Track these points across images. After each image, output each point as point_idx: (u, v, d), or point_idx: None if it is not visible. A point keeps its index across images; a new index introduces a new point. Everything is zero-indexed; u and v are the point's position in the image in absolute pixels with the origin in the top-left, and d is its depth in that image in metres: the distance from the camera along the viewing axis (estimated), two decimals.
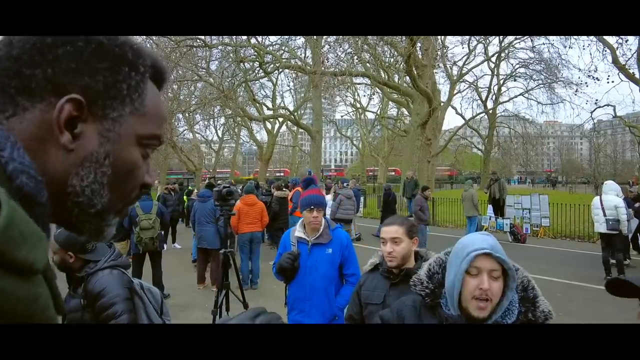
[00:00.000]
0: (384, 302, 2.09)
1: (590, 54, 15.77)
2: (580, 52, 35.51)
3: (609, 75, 15.71)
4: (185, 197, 11.82)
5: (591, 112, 19.15)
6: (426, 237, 9.24)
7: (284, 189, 10.08)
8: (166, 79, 0.60)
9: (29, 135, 0.46)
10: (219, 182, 10.53)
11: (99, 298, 2.06)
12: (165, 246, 6.92)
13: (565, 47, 19.65)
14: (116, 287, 2.07)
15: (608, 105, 19.30)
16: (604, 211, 7.40)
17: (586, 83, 18.21)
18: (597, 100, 18.29)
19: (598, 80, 16.44)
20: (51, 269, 0.43)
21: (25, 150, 0.44)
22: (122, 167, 0.52)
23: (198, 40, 17.61)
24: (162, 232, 6.42)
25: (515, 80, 29.75)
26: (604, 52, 14.95)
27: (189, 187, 16.49)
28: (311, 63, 19.68)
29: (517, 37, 22.93)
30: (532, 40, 22.57)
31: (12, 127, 0.45)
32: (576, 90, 21.21)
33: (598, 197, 7.74)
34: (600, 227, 7.47)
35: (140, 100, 0.53)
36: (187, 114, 25.60)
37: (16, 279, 0.36)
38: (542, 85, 27.43)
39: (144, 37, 18.09)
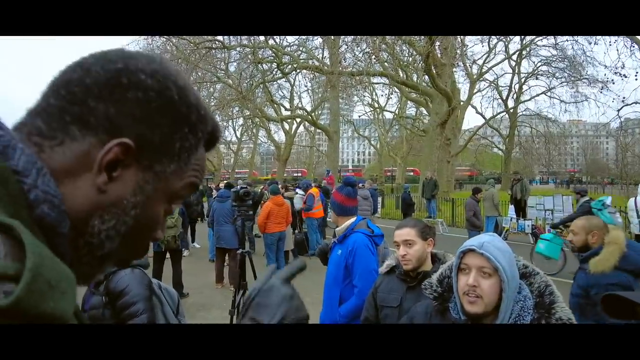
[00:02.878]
0: (400, 305, 2.07)
1: (617, 50, 15.25)
2: (606, 48, 34.50)
3: (637, 72, 15.17)
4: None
5: (618, 110, 18.54)
6: None
7: (290, 189, 10.12)
8: (216, 144, 0.58)
9: (68, 166, 0.44)
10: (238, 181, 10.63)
11: (121, 296, 2.12)
12: (189, 246, 7.01)
13: (590, 43, 19.05)
14: (138, 287, 2.13)
15: (636, 102, 18.64)
16: (638, 213, 7.41)
17: (612, 80, 17.57)
18: (624, 98, 17.66)
19: (625, 77, 15.92)
20: (79, 309, 0.42)
21: (51, 178, 0.43)
22: (144, 222, 0.50)
23: (217, 42, 17.85)
24: (183, 231, 6.52)
25: (537, 78, 29.07)
26: (632, 48, 14.47)
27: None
28: (329, 63, 19.68)
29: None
30: (555, 38, 22.03)
31: (54, 156, 0.44)
32: (602, 88, 20.61)
33: (633, 198, 7.76)
34: (635, 229, 7.52)
35: (187, 160, 0.52)
36: None
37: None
38: (565, 84, 26.74)
39: (164, 38, 18.51)
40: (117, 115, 0.45)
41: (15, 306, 0.32)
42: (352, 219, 2.75)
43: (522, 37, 25.24)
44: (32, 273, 0.33)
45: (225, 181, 17.18)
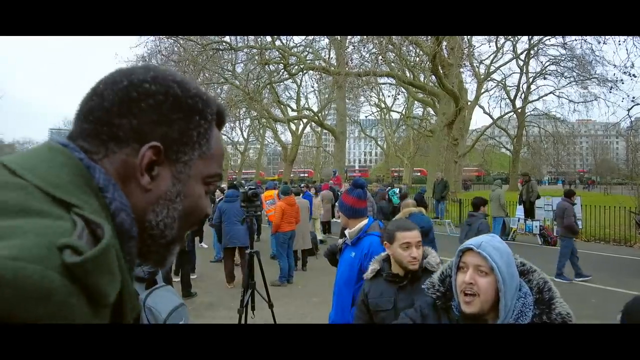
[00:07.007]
0: (395, 306, 2.09)
1: (627, 49, 15.11)
2: (615, 47, 34.06)
3: None
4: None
5: (628, 110, 18.26)
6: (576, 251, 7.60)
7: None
8: (225, 122, 0.66)
9: (116, 176, 0.53)
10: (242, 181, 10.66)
11: None
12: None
13: (599, 42, 18.83)
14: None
15: None
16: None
17: (622, 80, 17.38)
18: (634, 97, 17.44)
19: (635, 77, 15.74)
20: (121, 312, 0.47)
21: (121, 191, 0.52)
22: (190, 203, 0.58)
23: (224, 44, 17.92)
24: (190, 233, 6.56)
25: (545, 78, 28.76)
26: None
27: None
28: (335, 64, 19.68)
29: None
30: (563, 37, 21.79)
31: (105, 167, 0.52)
32: (611, 88, 20.37)
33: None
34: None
35: (207, 145, 0.59)
36: None
37: (86, 303, 0.38)
38: (574, 83, 26.44)
39: (172, 39, 18.62)
40: (140, 124, 0.53)
41: (81, 266, 0.37)
42: (364, 221, 2.73)
43: (530, 36, 25.02)
44: (102, 250, 0.40)
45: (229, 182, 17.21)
